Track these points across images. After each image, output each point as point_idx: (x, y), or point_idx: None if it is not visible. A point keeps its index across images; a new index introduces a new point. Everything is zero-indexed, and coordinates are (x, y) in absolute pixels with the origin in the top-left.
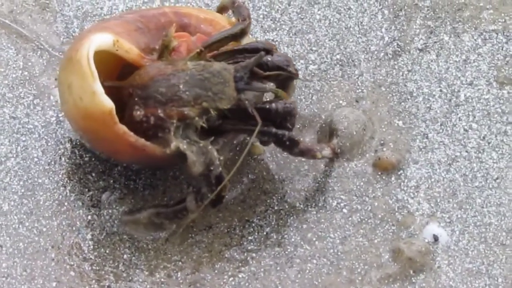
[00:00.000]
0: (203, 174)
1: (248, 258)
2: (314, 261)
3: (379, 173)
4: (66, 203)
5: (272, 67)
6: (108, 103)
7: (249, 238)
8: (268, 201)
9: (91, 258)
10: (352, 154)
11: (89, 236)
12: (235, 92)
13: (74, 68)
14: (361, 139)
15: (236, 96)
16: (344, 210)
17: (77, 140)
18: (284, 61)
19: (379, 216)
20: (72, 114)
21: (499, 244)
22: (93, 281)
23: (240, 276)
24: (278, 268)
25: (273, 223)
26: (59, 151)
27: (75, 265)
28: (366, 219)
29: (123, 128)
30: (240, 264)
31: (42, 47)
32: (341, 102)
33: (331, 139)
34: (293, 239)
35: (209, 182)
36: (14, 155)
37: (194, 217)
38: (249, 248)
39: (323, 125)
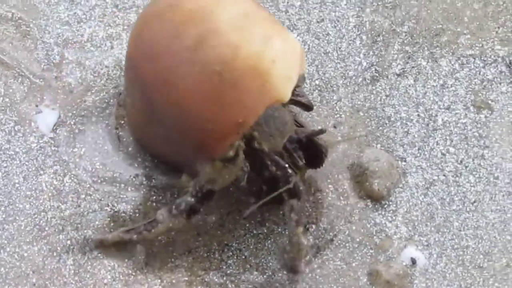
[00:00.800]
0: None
1: (228, 282)
2: (293, 285)
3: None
4: (47, 228)
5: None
6: None
7: (229, 262)
8: (247, 225)
9: (71, 283)
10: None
11: (70, 262)
12: (282, 144)
13: None
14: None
15: (279, 148)
16: None
17: (58, 166)
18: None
19: (357, 239)
20: None
21: (476, 267)
22: None
23: None
24: None
25: (251, 247)
26: (40, 177)
27: None
28: (344, 243)
29: None
30: None
31: (23, 74)
32: (319, 127)
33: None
34: (271, 263)
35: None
36: None
37: (163, 229)
38: (228, 272)
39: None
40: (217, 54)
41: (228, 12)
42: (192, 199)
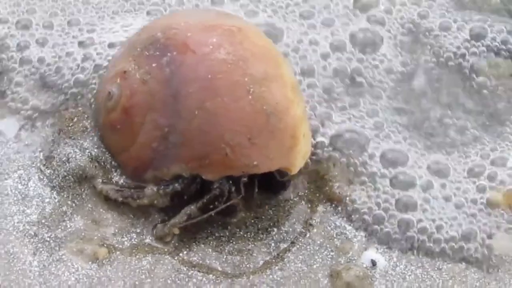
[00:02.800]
0: None
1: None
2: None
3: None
4: (14, 232)
5: None
6: None
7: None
8: (210, 228)
9: (36, 284)
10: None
11: (35, 263)
12: None
13: None
14: None
15: None
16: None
17: (23, 171)
18: None
19: (318, 242)
20: None
21: (435, 268)
22: None
23: None
24: None
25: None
26: (5, 182)
27: None
28: (305, 245)
29: None
30: None
31: None
32: None
33: None
34: (231, 266)
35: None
36: None
37: (147, 203)
38: (189, 273)
39: None
40: (274, 98)
41: (291, 71)
42: (179, 186)
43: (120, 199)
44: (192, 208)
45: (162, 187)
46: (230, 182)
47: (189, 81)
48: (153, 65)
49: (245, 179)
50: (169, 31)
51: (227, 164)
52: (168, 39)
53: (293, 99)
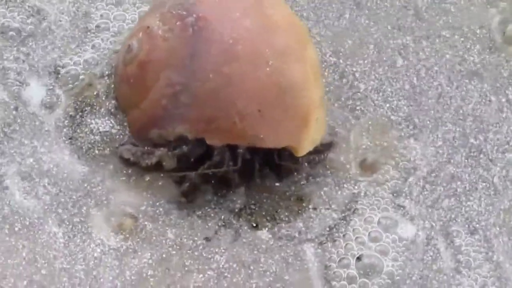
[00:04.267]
0: None
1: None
2: None
3: None
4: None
5: None
6: None
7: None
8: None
9: (61, 256)
10: None
11: (60, 235)
12: None
13: None
14: None
15: None
16: None
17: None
18: None
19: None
20: None
21: None
22: (64, 278)
23: None
24: None
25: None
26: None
27: (46, 263)
28: None
29: None
30: None
31: None
32: None
33: None
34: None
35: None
36: None
37: (154, 162)
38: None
39: None
40: (292, 75)
41: (315, 54)
42: (186, 148)
43: (132, 158)
44: (194, 175)
45: (171, 148)
46: (231, 153)
47: (210, 43)
48: (177, 23)
49: (241, 150)
50: None
51: (234, 132)
52: (197, 0)
53: (312, 81)
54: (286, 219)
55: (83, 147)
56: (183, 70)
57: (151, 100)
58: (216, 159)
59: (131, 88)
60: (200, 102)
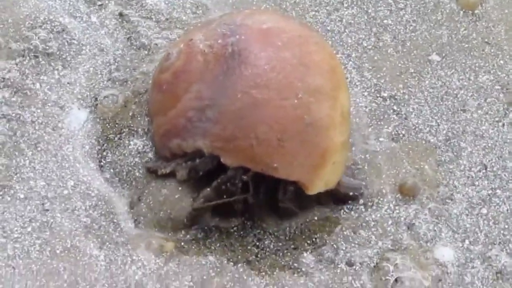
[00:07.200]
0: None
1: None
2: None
3: None
4: (77, 226)
5: None
6: None
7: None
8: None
9: (102, 279)
10: None
11: (101, 258)
12: None
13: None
14: None
15: None
16: None
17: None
18: None
19: None
20: None
21: None
22: None
23: None
24: None
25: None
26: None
27: (88, 286)
28: None
29: None
30: None
31: None
32: None
33: None
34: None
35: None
36: None
37: (167, 172)
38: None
39: None
40: (319, 113)
41: (347, 100)
42: (198, 161)
43: (151, 166)
44: (208, 191)
45: (185, 160)
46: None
47: (245, 64)
48: (219, 41)
49: (245, 177)
50: (249, 17)
51: (249, 155)
52: (244, 23)
53: (337, 124)
54: (327, 242)
55: (124, 170)
56: (214, 86)
57: (178, 110)
58: (231, 173)
59: (162, 95)
60: (224, 120)
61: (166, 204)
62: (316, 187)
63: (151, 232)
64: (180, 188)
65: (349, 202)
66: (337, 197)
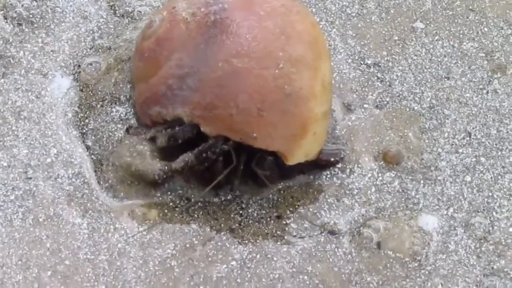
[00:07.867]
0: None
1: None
2: None
3: None
4: (61, 195)
5: None
6: None
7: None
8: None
9: (85, 247)
10: None
11: (84, 226)
12: None
13: None
14: None
15: None
16: None
17: None
18: None
19: None
20: None
21: None
22: (88, 269)
23: None
24: None
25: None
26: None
27: (70, 254)
28: None
29: None
30: None
31: None
32: None
33: None
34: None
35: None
36: None
37: (149, 137)
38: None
39: None
40: (299, 83)
41: (329, 70)
42: (178, 130)
43: (132, 131)
44: (189, 155)
45: (166, 127)
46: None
47: (227, 33)
48: (202, 9)
49: (225, 147)
50: None
51: (228, 124)
52: None
53: (318, 95)
54: (310, 210)
55: (104, 136)
56: (195, 54)
57: (159, 77)
58: (211, 141)
59: (144, 62)
60: (204, 88)
61: (136, 159)
62: (296, 157)
63: (134, 200)
64: (148, 152)
65: (330, 167)
66: (318, 164)
